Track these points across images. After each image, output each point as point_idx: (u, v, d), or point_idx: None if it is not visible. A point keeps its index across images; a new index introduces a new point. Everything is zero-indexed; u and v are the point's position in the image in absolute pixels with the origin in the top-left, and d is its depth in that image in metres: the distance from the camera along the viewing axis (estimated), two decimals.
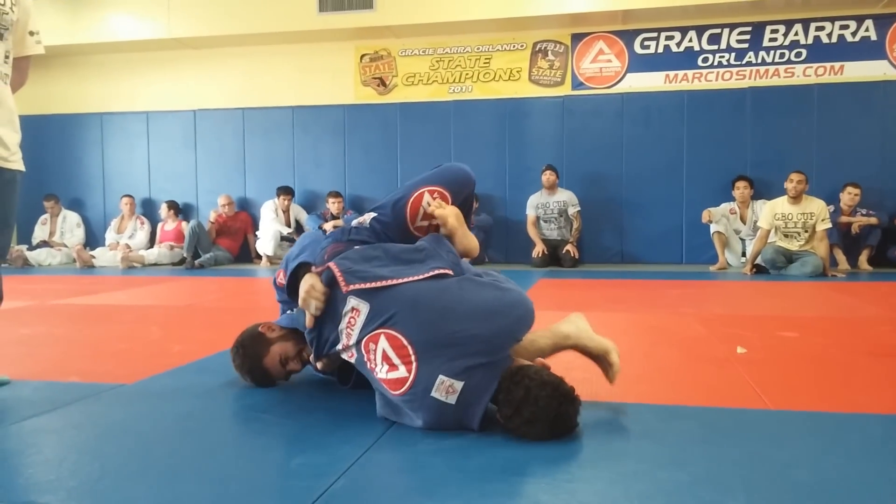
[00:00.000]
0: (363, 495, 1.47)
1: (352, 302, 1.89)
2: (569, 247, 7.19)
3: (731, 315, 4.03)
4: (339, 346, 1.93)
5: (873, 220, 6.62)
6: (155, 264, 7.96)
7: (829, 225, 6.25)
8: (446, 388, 1.78)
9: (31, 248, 8.33)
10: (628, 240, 7.63)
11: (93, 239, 8.70)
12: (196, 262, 7.59)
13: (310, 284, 1.97)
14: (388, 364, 1.82)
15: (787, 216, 6.30)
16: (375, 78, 8.19)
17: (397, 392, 1.82)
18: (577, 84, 7.71)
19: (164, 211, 8.29)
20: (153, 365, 2.72)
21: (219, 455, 1.76)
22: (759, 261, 6.39)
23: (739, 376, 2.50)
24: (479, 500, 1.44)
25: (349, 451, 1.72)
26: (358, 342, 1.88)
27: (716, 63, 7.40)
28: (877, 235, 6.67)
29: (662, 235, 7.50)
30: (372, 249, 2.01)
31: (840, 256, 6.67)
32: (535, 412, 1.73)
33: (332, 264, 1.95)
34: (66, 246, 8.42)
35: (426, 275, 1.89)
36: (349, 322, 1.89)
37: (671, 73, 7.49)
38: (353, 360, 1.93)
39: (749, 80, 7.36)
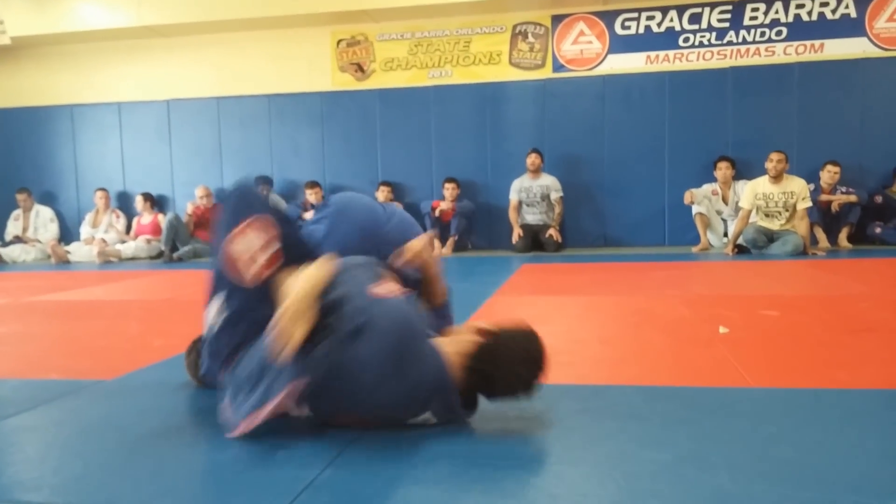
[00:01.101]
0: (349, 485, 1.46)
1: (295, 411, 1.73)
2: (551, 231, 7.20)
3: (713, 295, 4.06)
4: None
5: (853, 198, 6.68)
6: (132, 258, 7.87)
7: (810, 204, 6.30)
8: (423, 420, 1.77)
9: (5, 245, 8.20)
10: (611, 223, 7.65)
11: (67, 234, 8.58)
12: (174, 255, 7.51)
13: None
14: None
15: (767, 196, 6.34)
16: (353, 64, 8.11)
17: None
18: (557, 66, 7.69)
19: (139, 203, 8.19)
20: (133, 360, 2.69)
21: (202, 449, 1.74)
22: (740, 241, 6.43)
23: (722, 356, 2.52)
24: (468, 485, 1.44)
25: (334, 440, 1.70)
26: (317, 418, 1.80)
27: (697, 43, 7.42)
28: (856, 213, 6.74)
29: (645, 218, 7.53)
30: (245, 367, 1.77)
31: (820, 234, 6.74)
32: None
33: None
34: (39, 241, 8.29)
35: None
36: (301, 415, 1.77)
37: (652, 54, 7.50)
38: None
39: (730, 60, 7.38)
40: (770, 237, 6.35)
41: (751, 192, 6.40)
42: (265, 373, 1.69)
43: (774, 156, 6.31)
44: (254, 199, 1.90)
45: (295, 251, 1.87)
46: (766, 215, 6.38)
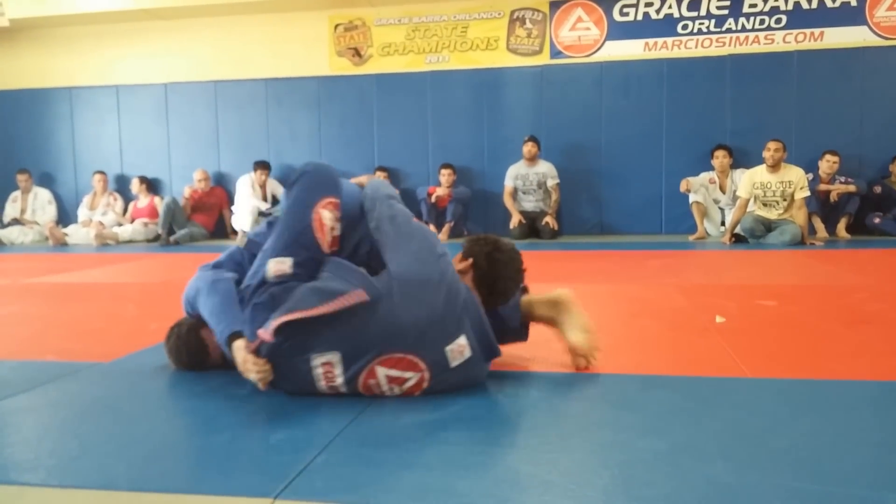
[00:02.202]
0: (344, 469, 1.47)
1: (318, 359, 1.82)
2: (548, 218, 7.19)
3: (710, 284, 4.07)
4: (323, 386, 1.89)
5: (852, 188, 6.67)
6: (129, 241, 7.85)
7: (808, 193, 6.28)
8: (459, 351, 1.85)
9: (3, 227, 8.18)
10: (607, 211, 7.65)
11: (65, 216, 8.55)
12: (171, 238, 7.49)
13: (242, 359, 1.88)
14: (396, 384, 1.86)
15: (765, 185, 6.33)
16: (350, 48, 8.07)
17: (419, 392, 1.88)
18: (555, 53, 7.66)
19: (135, 186, 8.16)
20: (130, 343, 2.69)
21: (198, 432, 1.74)
22: (737, 230, 6.43)
23: (718, 345, 2.52)
24: (461, 471, 1.45)
25: (329, 425, 1.71)
26: (348, 382, 1.85)
27: (695, 30, 7.38)
28: (855, 203, 6.72)
29: (642, 206, 7.52)
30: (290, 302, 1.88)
31: (818, 224, 6.73)
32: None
33: (264, 334, 1.82)
34: (37, 224, 8.27)
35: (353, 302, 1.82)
36: (326, 375, 1.84)
37: (650, 41, 7.46)
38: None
39: (729, 48, 7.35)
40: (768, 227, 6.35)
41: (748, 180, 6.39)
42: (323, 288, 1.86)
43: (772, 144, 6.28)
44: (337, 181, 2.11)
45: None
46: (764, 204, 6.37)
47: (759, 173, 6.37)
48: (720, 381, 2.10)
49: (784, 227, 6.20)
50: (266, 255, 1.99)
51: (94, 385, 2.17)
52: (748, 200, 6.40)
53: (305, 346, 1.82)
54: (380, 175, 7.59)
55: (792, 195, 6.26)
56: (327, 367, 1.83)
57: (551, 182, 7.36)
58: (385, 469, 1.47)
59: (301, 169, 2.10)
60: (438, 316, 1.82)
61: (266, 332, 1.80)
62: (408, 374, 1.84)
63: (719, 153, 6.95)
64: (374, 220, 2.04)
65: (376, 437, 1.65)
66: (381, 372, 1.83)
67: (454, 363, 1.84)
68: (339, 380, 1.84)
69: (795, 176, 6.27)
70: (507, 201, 7.41)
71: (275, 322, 1.80)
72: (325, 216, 2.00)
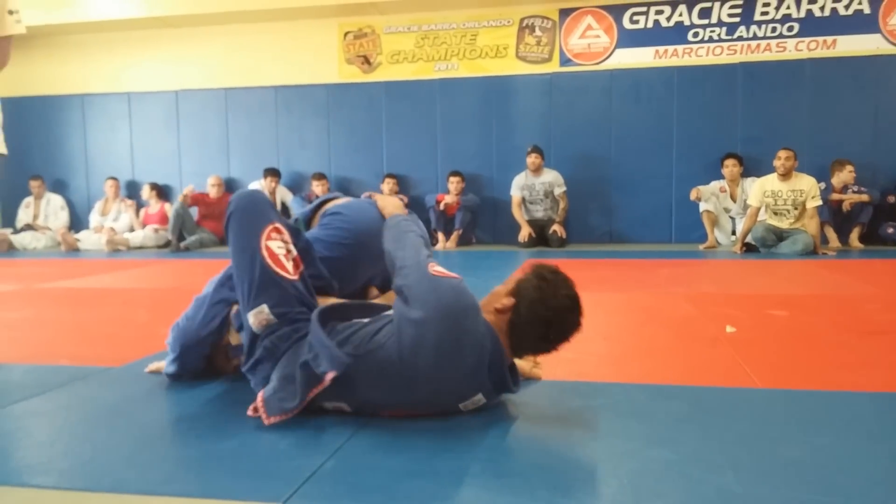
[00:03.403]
0: (352, 475, 1.47)
1: (329, 404, 1.82)
2: (556, 227, 7.18)
3: (720, 294, 4.05)
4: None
5: (864, 198, 6.62)
6: (140, 247, 7.90)
7: (820, 202, 6.22)
8: (473, 403, 1.80)
9: (16, 232, 8.24)
10: (617, 219, 7.63)
11: (77, 222, 8.61)
12: (181, 244, 7.53)
13: None
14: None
15: (776, 193, 6.29)
16: (360, 56, 8.10)
17: None
18: (564, 61, 7.67)
19: (146, 193, 8.21)
20: (141, 348, 2.70)
21: (208, 437, 1.75)
22: (749, 239, 6.40)
23: (729, 355, 2.51)
24: (468, 479, 1.45)
25: (337, 432, 1.71)
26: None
27: (706, 38, 7.37)
28: (868, 213, 6.66)
29: (651, 214, 7.50)
30: (286, 366, 1.82)
31: (831, 234, 6.69)
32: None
33: (258, 398, 1.80)
34: (50, 229, 8.33)
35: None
36: (338, 411, 1.83)
37: (661, 49, 7.46)
38: None
39: (740, 55, 7.33)
40: (779, 236, 6.32)
41: (759, 189, 6.36)
42: (307, 366, 1.74)
43: (783, 153, 6.24)
44: (266, 205, 1.98)
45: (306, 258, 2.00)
46: (775, 213, 6.34)
47: (770, 182, 6.34)
48: (730, 392, 2.09)
49: (796, 236, 6.17)
50: (242, 311, 1.91)
51: (106, 389, 2.19)
52: (759, 209, 6.37)
53: (314, 399, 1.80)
54: (389, 182, 7.61)
55: (803, 204, 6.22)
56: (338, 408, 1.82)
57: (558, 190, 7.35)
58: (393, 476, 1.47)
59: (228, 210, 1.98)
60: (455, 387, 1.76)
61: (266, 419, 1.75)
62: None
63: (729, 162, 6.93)
64: (401, 277, 1.82)
65: (384, 443, 1.65)
66: (391, 415, 1.82)
67: (466, 410, 1.82)
68: (351, 412, 1.84)
69: (807, 185, 6.22)
70: (516, 213, 7.39)
71: (274, 418, 1.75)
72: (273, 246, 1.89)
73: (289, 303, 1.86)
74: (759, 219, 6.40)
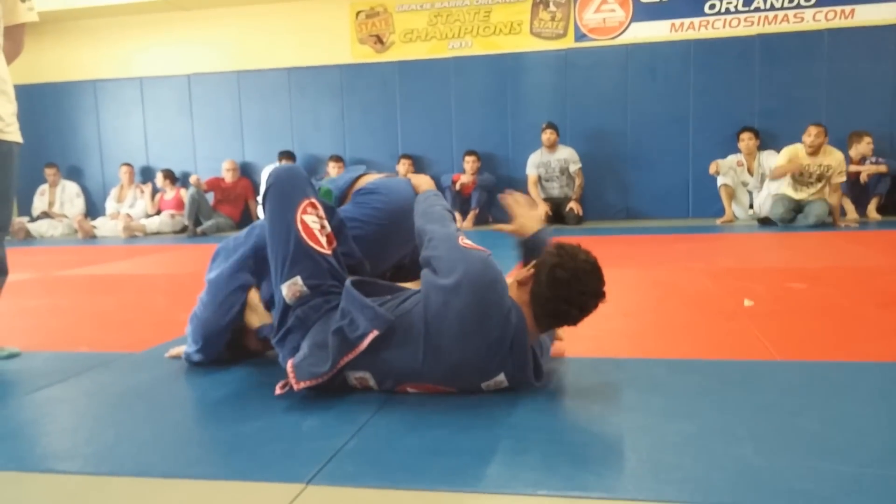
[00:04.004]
0: (375, 455, 1.48)
1: (352, 375, 1.84)
2: (572, 204, 7.14)
3: (738, 268, 4.02)
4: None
5: (883, 169, 6.52)
6: (157, 233, 7.96)
7: (844, 178, 6.23)
8: (495, 384, 1.80)
9: (32, 220, 8.32)
10: (633, 195, 7.57)
11: (93, 209, 8.68)
12: (198, 229, 7.58)
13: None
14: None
15: (804, 167, 6.23)
16: (372, 35, 8.05)
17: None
18: (579, 36, 7.57)
19: (160, 180, 8.26)
20: (161, 333, 2.73)
21: (230, 419, 1.77)
22: (769, 214, 6.34)
23: (747, 329, 2.50)
24: (490, 456, 1.45)
25: (359, 412, 1.73)
26: (382, 390, 1.86)
27: (723, 10, 7.24)
28: (886, 184, 6.57)
29: (668, 190, 7.43)
30: (317, 334, 1.86)
31: (848, 206, 6.60)
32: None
33: (289, 364, 1.81)
34: (66, 216, 8.40)
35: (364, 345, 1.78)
36: (361, 384, 1.86)
37: (677, 22, 7.34)
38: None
39: (757, 27, 7.21)
40: (797, 209, 6.25)
41: (790, 154, 6.27)
42: (341, 332, 1.78)
43: (813, 129, 6.17)
44: (304, 181, 2.02)
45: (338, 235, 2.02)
46: (799, 184, 6.27)
47: (800, 154, 6.27)
48: (749, 365, 2.08)
49: (810, 207, 6.10)
50: (275, 282, 1.95)
51: (128, 375, 2.21)
52: (787, 170, 6.27)
53: (341, 369, 1.83)
54: (404, 163, 7.59)
55: (829, 178, 6.18)
56: (361, 380, 1.85)
57: (574, 167, 7.30)
58: (415, 454, 1.48)
59: (267, 183, 2.02)
60: (478, 361, 1.77)
61: (295, 384, 1.77)
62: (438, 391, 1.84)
63: (745, 135, 6.84)
64: (430, 249, 1.87)
65: (406, 422, 1.66)
66: (413, 390, 1.84)
67: (488, 390, 1.83)
68: (374, 387, 1.86)
69: (835, 161, 6.18)
70: (532, 191, 7.35)
71: (304, 383, 1.77)
72: (309, 220, 1.93)
73: (321, 275, 1.90)
74: (776, 192, 6.33)
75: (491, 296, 1.73)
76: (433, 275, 1.77)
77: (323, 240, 1.93)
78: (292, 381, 1.77)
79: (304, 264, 1.89)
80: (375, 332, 1.75)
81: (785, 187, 6.34)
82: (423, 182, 2.20)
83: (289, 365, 1.80)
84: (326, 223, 1.97)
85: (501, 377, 1.79)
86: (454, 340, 1.72)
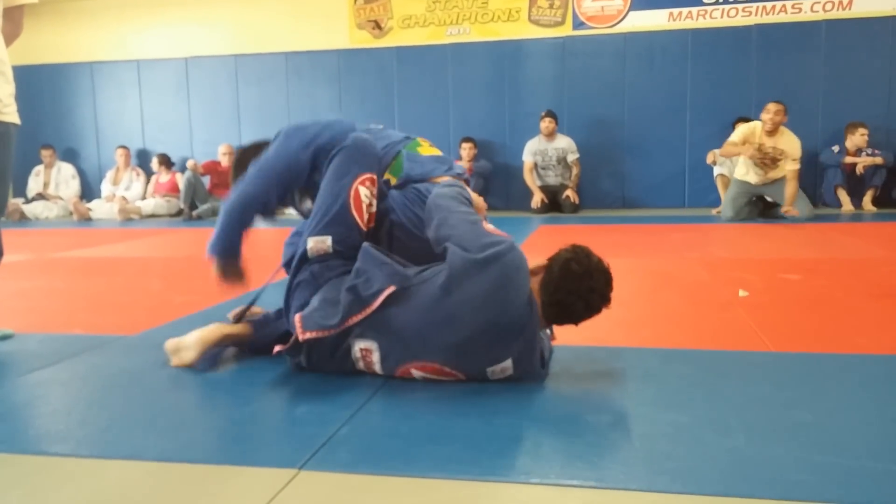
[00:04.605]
0: (368, 441, 1.49)
1: (357, 343, 1.82)
2: (568, 192, 7.13)
3: (733, 258, 4.03)
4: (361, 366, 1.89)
5: (878, 161, 6.53)
6: (152, 216, 7.93)
7: (797, 166, 5.90)
8: (501, 371, 1.80)
9: (28, 202, 8.28)
10: (630, 184, 7.57)
11: (88, 191, 8.64)
12: (193, 213, 7.55)
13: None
14: (431, 379, 1.83)
15: (759, 147, 5.96)
16: (370, 21, 8.00)
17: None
18: (577, 24, 7.54)
19: (155, 164, 8.21)
20: (156, 316, 2.73)
21: (224, 404, 1.77)
22: (724, 210, 6.21)
23: (742, 319, 2.51)
24: (483, 443, 1.46)
25: (352, 398, 1.73)
26: (385, 370, 1.84)
27: (721, 0, 7.22)
28: (882, 176, 6.58)
29: (665, 179, 7.42)
30: (329, 291, 1.87)
31: (844, 197, 6.61)
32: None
33: (300, 333, 1.80)
34: (61, 198, 8.37)
35: (378, 302, 1.78)
36: (365, 359, 1.84)
37: (675, 11, 7.31)
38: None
39: (755, 17, 7.18)
40: (757, 202, 6.15)
41: (745, 132, 6.01)
42: (355, 290, 1.81)
43: (772, 107, 5.88)
44: (375, 157, 2.08)
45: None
46: (756, 166, 6.02)
47: (758, 133, 5.99)
48: (743, 355, 2.09)
49: (767, 190, 5.99)
50: (307, 230, 1.98)
51: (122, 357, 2.21)
52: (740, 145, 6.02)
53: (346, 331, 1.82)
54: None
55: (782, 164, 5.92)
56: (366, 353, 1.83)
57: (571, 157, 7.28)
58: (408, 441, 1.48)
59: (342, 143, 2.06)
60: (489, 339, 1.76)
61: (301, 334, 1.79)
62: (443, 378, 1.82)
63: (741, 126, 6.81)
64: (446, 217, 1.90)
65: (399, 409, 1.66)
66: (417, 373, 1.83)
67: (493, 378, 1.82)
68: (377, 366, 1.84)
69: (789, 145, 5.87)
70: (528, 178, 7.33)
71: (310, 333, 1.78)
72: (363, 192, 1.98)
73: (349, 245, 1.94)
74: (736, 176, 6.15)
75: (519, 279, 1.76)
76: (462, 250, 1.79)
77: (366, 216, 1.98)
78: (299, 331, 1.78)
79: (340, 229, 1.94)
80: (392, 288, 1.77)
81: (744, 172, 6.09)
82: (479, 204, 2.14)
83: (296, 317, 1.82)
84: (375, 203, 2.03)
85: (508, 363, 1.78)
86: (472, 312, 1.73)
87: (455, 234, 1.83)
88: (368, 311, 1.78)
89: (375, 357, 1.82)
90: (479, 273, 1.74)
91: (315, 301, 1.86)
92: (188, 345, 2.04)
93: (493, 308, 1.73)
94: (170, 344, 2.08)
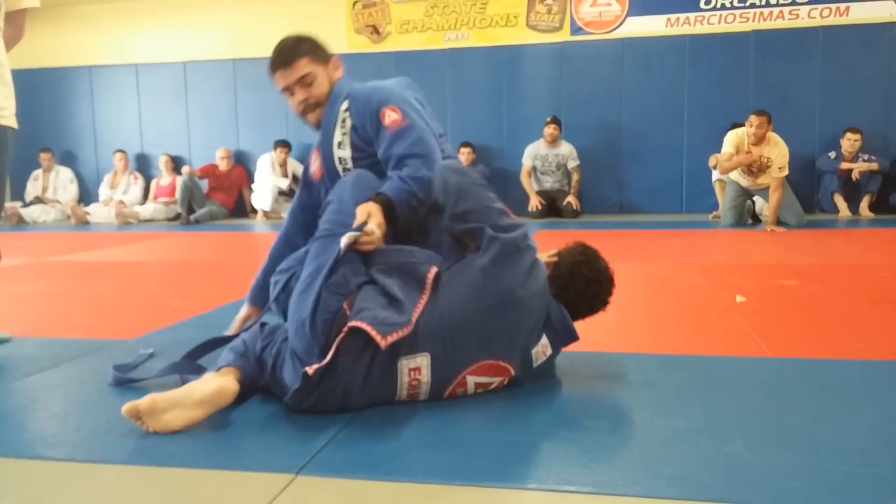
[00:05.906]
0: (365, 446, 1.48)
1: (406, 363, 1.65)
2: (570, 198, 7.13)
3: (731, 264, 4.03)
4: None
5: (874, 166, 6.55)
6: (150, 220, 7.92)
7: (785, 174, 5.78)
8: (543, 352, 1.82)
9: (25, 205, 8.28)
10: (628, 189, 7.58)
11: (86, 195, 8.63)
12: (191, 217, 7.55)
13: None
14: (481, 388, 1.77)
15: (753, 157, 5.89)
16: (369, 26, 8.02)
17: (494, 387, 1.79)
18: (575, 29, 7.56)
19: (162, 164, 8.22)
20: (153, 320, 2.72)
21: (222, 409, 1.76)
22: (723, 216, 6.17)
23: (739, 325, 2.51)
24: (480, 449, 1.45)
25: None
26: (433, 390, 1.71)
27: (718, 5, 7.24)
28: (878, 181, 6.60)
29: (662, 184, 7.44)
30: (367, 300, 1.69)
31: (840, 203, 6.63)
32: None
33: (362, 324, 1.60)
34: (59, 202, 8.36)
35: (430, 281, 1.74)
36: (412, 383, 1.67)
37: (673, 17, 7.34)
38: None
39: (752, 23, 7.21)
40: (752, 208, 6.15)
41: (734, 140, 5.89)
42: (404, 271, 1.77)
43: (755, 119, 5.67)
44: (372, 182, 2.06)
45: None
46: (746, 173, 5.98)
47: (745, 141, 5.88)
48: (740, 361, 2.09)
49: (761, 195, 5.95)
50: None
51: (119, 362, 2.20)
52: (732, 154, 5.90)
53: (395, 349, 1.63)
54: None
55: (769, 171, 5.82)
56: (414, 373, 1.67)
57: (572, 164, 7.28)
58: (406, 446, 1.48)
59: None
60: (530, 312, 1.76)
61: (383, 340, 1.59)
62: (495, 379, 1.77)
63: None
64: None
65: (397, 415, 1.65)
66: (471, 381, 1.74)
67: (537, 363, 1.81)
68: (425, 387, 1.69)
69: (776, 153, 5.75)
70: (525, 181, 7.32)
71: (391, 336, 1.60)
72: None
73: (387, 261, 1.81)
74: (731, 177, 6.08)
75: (540, 260, 1.86)
76: (494, 232, 1.80)
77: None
78: (378, 338, 1.57)
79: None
80: (435, 269, 1.76)
81: (737, 175, 6.04)
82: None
83: (365, 325, 1.59)
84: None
85: (545, 339, 1.81)
86: (514, 288, 1.73)
87: (493, 223, 1.84)
88: (427, 289, 1.72)
89: (425, 375, 1.67)
90: (515, 251, 1.78)
91: (367, 312, 1.63)
92: (189, 403, 1.62)
93: (534, 284, 1.77)
94: (143, 404, 1.56)
